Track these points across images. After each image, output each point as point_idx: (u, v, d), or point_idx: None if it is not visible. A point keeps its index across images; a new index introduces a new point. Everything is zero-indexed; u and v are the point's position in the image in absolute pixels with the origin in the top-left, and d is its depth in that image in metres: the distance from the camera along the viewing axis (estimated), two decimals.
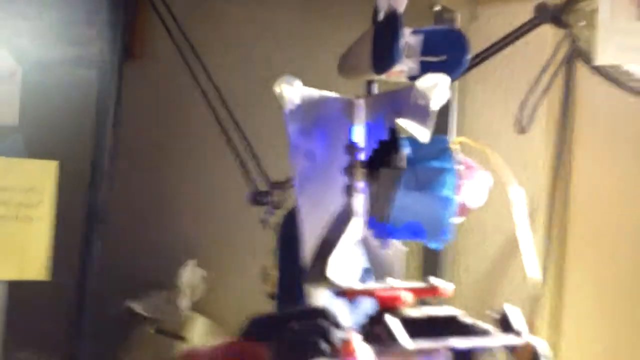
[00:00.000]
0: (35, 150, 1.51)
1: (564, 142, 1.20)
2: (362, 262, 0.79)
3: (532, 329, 0.47)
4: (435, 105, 0.52)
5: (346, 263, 0.59)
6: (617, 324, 1.25)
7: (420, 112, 0.51)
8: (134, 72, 1.70)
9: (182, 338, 1.56)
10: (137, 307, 1.61)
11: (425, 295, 0.50)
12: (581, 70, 1.16)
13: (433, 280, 0.50)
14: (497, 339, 0.50)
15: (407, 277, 0.54)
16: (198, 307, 1.62)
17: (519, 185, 1.23)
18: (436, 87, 0.52)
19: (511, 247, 1.25)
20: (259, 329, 0.38)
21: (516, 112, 1.06)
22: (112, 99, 1.56)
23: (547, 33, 1.12)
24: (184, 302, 1.58)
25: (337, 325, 0.39)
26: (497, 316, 0.51)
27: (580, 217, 1.29)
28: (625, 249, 1.25)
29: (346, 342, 0.38)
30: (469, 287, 1.31)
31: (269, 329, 0.38)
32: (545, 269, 1.21)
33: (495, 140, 1.27)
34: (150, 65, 1.79)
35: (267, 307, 1.12)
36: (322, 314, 0.39)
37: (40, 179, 1.46)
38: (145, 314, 1.60)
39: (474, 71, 1.18)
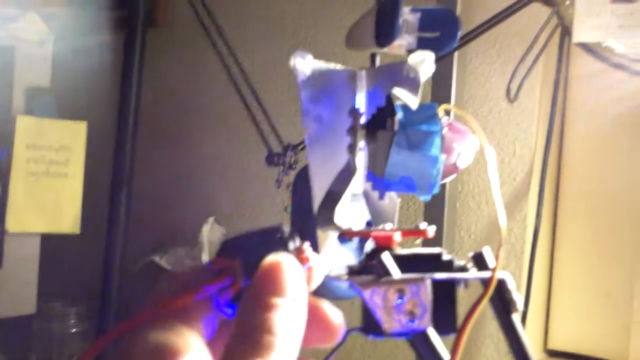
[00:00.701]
0: (66, 112, 1.58)
1: (555, 110, 1.26)
2: (365, 214, 0.88)
3: (497, 265, 0.55)
4: (423, 77, 0.59)
5: (351, 212, 0.66)
6: (605, 262, 1.34)
7: (411, 83, 0.58)
8: (156, 39, 1.76)
9: None
10: (161, 260, 1.65)
11: (411, 236, 0.58)
12: (574, 45, 1.22)
13: (421, 225, 0.58)
14: (471, 273, 0.57)
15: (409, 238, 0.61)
16: None
17: (517, 148, 1.31)
18: (424, 63, 0.59)
19: (506, 211, 1.33)
20: (229, 248, 0.46)
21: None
22: (136, 64, 1.63)
23: (542, 9, 1.18)
24: (205, 257, 1.62)
25: (292, 238, 0.47)
26: (475, 255, 0.59)
27: (571, 176, 1.38)
28: (611, 203, 1.33)
29: (299, 250, 0.44)
30: (471, 247, 1.37)
31: (238, 246, 0.45)
32: (538, 221, 1.28)
33: (493, 108, 1.35)
34: (172, 33, 1.83)
35: None
36: (279, 230, 0.46)
37: (70, 138, 1.53)
38: (168, 267, 1.65)
39: (473, 44, 1.25)
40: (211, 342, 0.42)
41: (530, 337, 1.34)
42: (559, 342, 1.39)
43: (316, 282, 0.46)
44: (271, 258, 0.42)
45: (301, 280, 0.43)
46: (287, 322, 0.40)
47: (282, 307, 0.40)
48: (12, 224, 1.47)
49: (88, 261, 1.74)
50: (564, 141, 1.37)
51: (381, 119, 0.61)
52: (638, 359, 1.30)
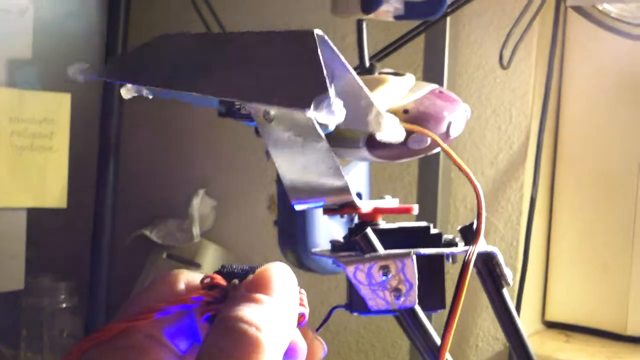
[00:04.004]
0: (48, 83, 1.55)
1: (551, 75, 1.24)
2: (355, 185, 0.85)
3: (477, 240, 0.53)
4: (378, 130, 0.54)
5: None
6: (603, 232, 1.32)
7: (354, 106, 0.53)
8: (141, 7, 1.73)
9: (195, 264, 1.60)
10: (151, 234, 1.64)
11: (395, 213, 0.56)
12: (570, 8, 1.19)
13: (388, 198, 0.56)
14: (459, 248, 0.55)
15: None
16: (208, 235, 1.66)
17: (514, 115, 1.29)
18: (383, 115, 0.54)
19: (502, 180, 1.31)
20: (229, 271, 0.45)
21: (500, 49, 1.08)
22: (121, 32, 1.61)
23: None
24: (195, 230, 1.61)
25: None
26: (463, 229, 0.57)
27: (568, 144, 1.35)
28: (609, 172, 1.31)
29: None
30: (467, 217, 1.35)
31: (238, 272, 0.44)
32: (535, 189, 1.26)
33: (488, 75, 1.32)
34: (157, 2, 1.80)
35: (273, 233, 1.17)
36: None
37: (54, 110, 1.51)
38: (158, 240, 1.64)
39: (466, 9, 1.22)
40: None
41: (527, 308, 1.33)
42: (557, 314, 1.38)
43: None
44: (265, 265, 0.41)
45: (291, 284, 0.41)
46: (272, 318, 0.38)
47: (268, 303, 0.38)
48: None
49: (77, 235, 1.72)
50: (561, 107, 1.35)
51: None
52: (636, 330, 1.29)
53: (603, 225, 1.31)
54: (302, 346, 0.42)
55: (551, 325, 1.39)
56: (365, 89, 0.51)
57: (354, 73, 0.50)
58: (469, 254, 0.51)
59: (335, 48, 0.47)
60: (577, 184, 1.34)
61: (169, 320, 0.40)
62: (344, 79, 0.50)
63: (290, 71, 0.47)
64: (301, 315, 0.43)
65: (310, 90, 0.43)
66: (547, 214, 1.37)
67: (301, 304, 0.43)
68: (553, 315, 1.39)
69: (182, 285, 0.42)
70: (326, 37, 0.46)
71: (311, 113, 0.43)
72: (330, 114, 0.43)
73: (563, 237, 1.36)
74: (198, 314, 0.41)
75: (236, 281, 0.41)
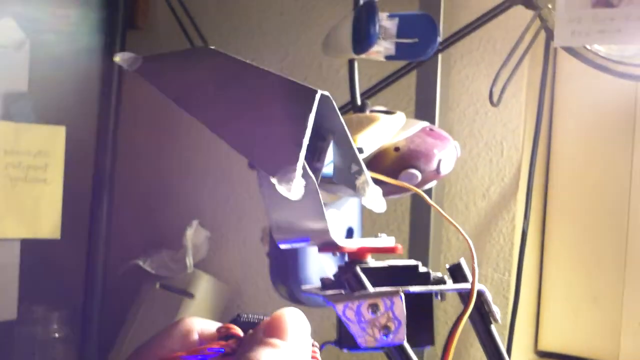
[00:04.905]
0: (44, 116, 1.56)
1: (541, 110, 1.25)
2: (346, 222, 0.86)
3: (474, 280, 0.54)
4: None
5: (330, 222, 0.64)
6: (594, 262, 1.33)
7: (345, 168, 0.55)
8: (136, 42, 1.74)
9: (188, 294, 1.60)
10: (144, 264, 1.63)
11: (382, 252, 0.57)
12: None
13: (382, 236, 0.57)
14: (448, 286, 0.56)
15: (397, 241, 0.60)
16: (202, 265, 1.66)
17: (505, 149, 1.30)
18: (369, 184, 0.56)
19: (494, 212, 1.32)
20: (243, 321, 0.46)
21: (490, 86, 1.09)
22: (116, 67, 1.62)
23: (527, 11, 1.15)
24: (189, 260, 1.60)
25: None
26: (452, 267, 0.57)
27: (559, 177, 1.37)
28: (600, 204, 1.33)
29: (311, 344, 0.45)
30: (459, 249, 1.36)
31: (251, 322, 0.46)
32: (526, 222, 1.27)
33: (480, 110, 1.33)
34: (152, 36, 1.82)
35: (266, 264, 1.17)
36: None
37: (49, 143, 1.51)
38: (151, 271, 1.62)
39: (458, 46, 1.23)
40: None
41: (520, 338, 1.34)
42: (549, 344, 1.39)
43: None
44: (280, 310, 0.43)
45: (305, 329, 0.43)
46: None
47: (283, 347, 0.41)
48: None
49: (70, 266, 1.72)
50: (552, 142, 1.36)
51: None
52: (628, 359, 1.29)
53: (594, 256, 1.32)
54: None
55: (544, 355, 1.40)
56: (359, 155, 0.52)
57: (350, 137, 0.51)
58: (463, 314, 0.52)
59: (337, 109, 0.49)
60: (568, 216, 1.35)
61: None
62: (341, 138, 0.51)
63: (277, 125, 0.48)
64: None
65: (283, 157, 0.44)
66: (539, 246, 1.38)
67: (314, 357, 0.45)
68: (546, 345, 1.39)
69: (195, 336, 0.43)
70: (331, 98, 0.47)
71: (274, 180, 0.44)
72: (287, 191, 0.44)
73: (555, 268, 1.37)
74: None
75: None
